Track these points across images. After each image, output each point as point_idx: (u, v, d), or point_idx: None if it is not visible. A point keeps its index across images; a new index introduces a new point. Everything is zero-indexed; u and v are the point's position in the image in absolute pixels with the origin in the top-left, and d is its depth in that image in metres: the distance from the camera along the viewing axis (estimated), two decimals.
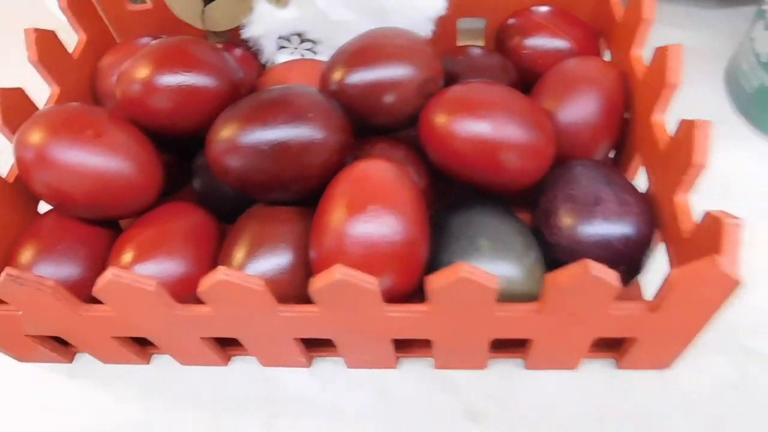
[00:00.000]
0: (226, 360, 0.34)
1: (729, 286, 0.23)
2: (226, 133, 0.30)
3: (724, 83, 0.45)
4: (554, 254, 0.30)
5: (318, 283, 0.25)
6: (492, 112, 0.30)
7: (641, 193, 0.31)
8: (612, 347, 0.32)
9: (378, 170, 0.29)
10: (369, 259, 0.27)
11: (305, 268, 0.30)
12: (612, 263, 0.29)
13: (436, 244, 0.30)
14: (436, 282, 0.24)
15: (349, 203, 0.28)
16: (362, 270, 0.27)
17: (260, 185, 0.31)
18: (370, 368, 0.33)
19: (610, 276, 0.23)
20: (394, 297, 0.28)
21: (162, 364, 0.35)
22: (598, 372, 0.32)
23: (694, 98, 0.43)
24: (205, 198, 0.37)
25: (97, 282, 0.26)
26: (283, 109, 0.30)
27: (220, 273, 0.25)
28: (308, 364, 0.34)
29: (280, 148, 0.30)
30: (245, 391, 0.33)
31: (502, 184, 0.32)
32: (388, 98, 0.33)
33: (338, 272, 0.24)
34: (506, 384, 0.32)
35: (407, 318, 0.27)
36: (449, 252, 0.29)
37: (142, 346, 0.35)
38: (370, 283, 0.24)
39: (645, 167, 0.33)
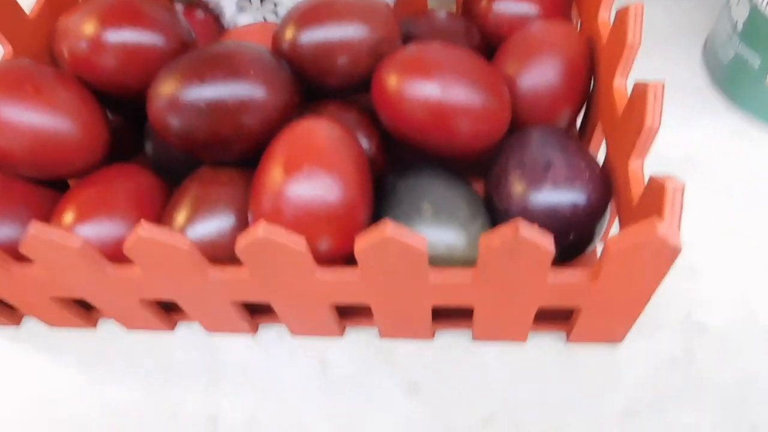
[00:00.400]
0: (171, 325, 0.34)
1: (668, 252, 0.22)
2: (165, 89, 0.29)
3: (702, 56, 0.43)
4: (501, 219, 0.29)
5: (242, 242, 0.24)
6: (444, 73, 0.29)
7: (595, 161, 0.29)
8: (561, 320, 0.31)
9: (319, 130, 0.28)
10: (305, 221, 0.26)
11: None
12: (561, 232, 0.28)
13: (381, 209, 0.29)
14: (362, 242, 0.23)
15: (286, 163, 0.27)
16: (299, 232, 0.26)
17: (201, 144, 0.30)
18: (315, 336, 0.32)
19: (543, 239, 0.22)
20: (334, 261, 0.27)
21: (108, 329, 0.34)
22: (547, 346, 0.31)
23: (672, 71, 0.42)
24: (157, 161, 0.36)
25: (23, 238, 0.25)
26: (223, 65, 0.29)
27: (142, 230, 0.24)
28: (253, 331, 0.33)
29: (217, 106, 0.28)
30: (188, 357, 0.32)
31: (454, 149, 0.30)
32: (341, 59, 0.32)
33: (261, 230, 0.23)
34: (450, 356, 0.31)
35: (340, 282, 0.26)
36: (391, 216, 0.28)
37: (88, 311, 0.34)
38: (297, 243, 0.23)
39: (605, 135, 0.31)
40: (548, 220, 0.28)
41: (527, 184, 0.28)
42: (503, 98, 0.30)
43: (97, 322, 0.35)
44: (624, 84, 0.30)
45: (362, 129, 0.32)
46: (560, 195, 0.28)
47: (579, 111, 0.34)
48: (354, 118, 0.33)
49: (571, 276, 0.25)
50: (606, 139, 0.31)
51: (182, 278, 0.27)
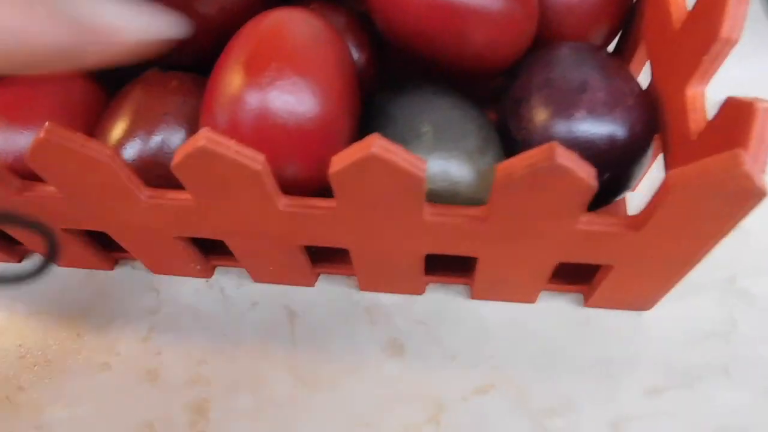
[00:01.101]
0: (111, 264, 0.28)
1: (749, 195, 0.16)
2: None
3: None
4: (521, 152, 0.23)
5: (179, 156, 0.18)
6: None
7: (640, 85, 0.23)
8: (580, 278, 0.25)
9: (292, 22, 0.21)
10: (269, 137, 0.20)
11: None
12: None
13: (369, 130, 0.23)
14: (340, 162, 0.17)
15: (248, 62, 0.20)
16: (260, 151, 0.20)
17: None
18: (280, 284, 0.27)
19: (584, 169, 0.16)
20: (305, 191, 0.21)
21: (36, 262, 0.29)
22: (560, 309, 0.26)
23: None
24: None
25: None
26: None
27: (49, 133, 0.18)
28: (208, 274, 0.27)
29: None
30: (129, 300, 0.27)
31: (467, 63, 0.24)
32: None
33: (205, 139, 0.17)
34: (443, 315, 0.26)
35: (310, 215, 0.20)
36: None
37: (11, 243, 0.28)
38: (252, 159, 0.18)
39: (650, 57, 0.25)
40: (580, 154, 0.22)
41: (555, 108, 0.22)
42: (530, 4, 0.24)
43: (22, 256, 0.29)
44: None
45: (351, 34, 0.26)
46: (597, 124, 0.22)
47: (618, 29, 0.28)
48: (342, 21, 0.26)
49: (608, 223, 0.19)
50: (652, 62, 0.25)
51: (109, 203, 0.21)
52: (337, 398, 0.24)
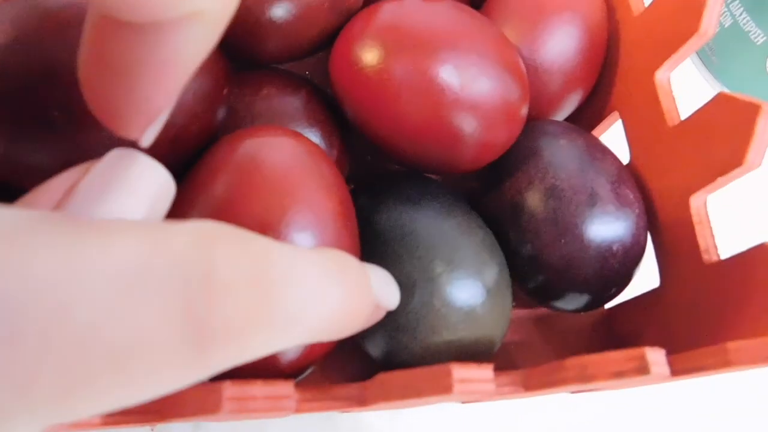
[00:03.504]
0: None
1: None
2: None
3: None
4: (526, 267, 0.21)
5: None
6: (455, 49, 0.19)
7: (634, 180, 0.23)
8: None
9: (279, 158, 0.16)
10: None
11: None
12: (603, 287, 0.21)
13: (368, 257, 0.20)
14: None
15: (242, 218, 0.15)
16: None
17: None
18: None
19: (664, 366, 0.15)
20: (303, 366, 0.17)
21: None
22: None
23: None
24: None
25: None
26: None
27: None
28: None
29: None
30: None
31: (451, 162, 0.21)
32: (286, 12, 0.19)
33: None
34: None
35: None
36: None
37: None
38: None
39: (628, 134, 0.24)
40: (592, 271, 0.21)
41: (565, 225, 0.20)
42: (524, 85, 0.21)
43: None
44: (667, 79, 0.23)
45: (316, 123, 0.21)
46: (608, 240, 0.21)
47: (587, 96, 0.26)
48: (301, 104, 0.21)
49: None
50: (630, 143, 0.24)
51: None
52: None
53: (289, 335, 0.10)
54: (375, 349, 0.19)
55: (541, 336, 0.26)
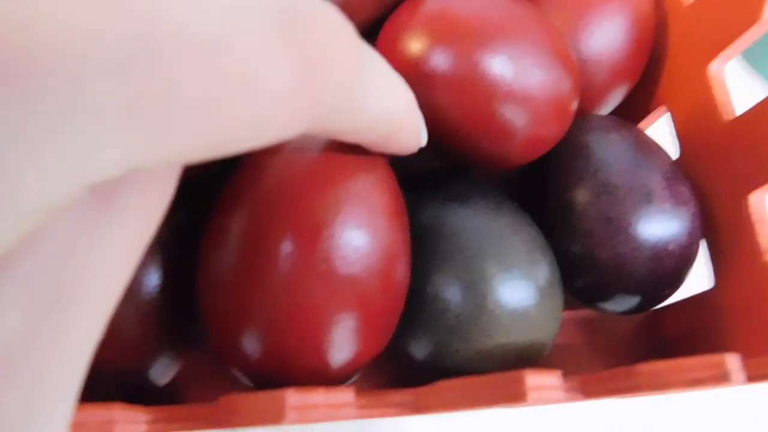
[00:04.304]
0: None
1: None
2: None
3: None
4: (575, 266, 0.21)
5: None
6: (507, 39, 0.18)
7: (688, 180, 0.22)
8: None
9: (333, 151, 0.16)
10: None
11: None
12: (656, 288, 0.20)
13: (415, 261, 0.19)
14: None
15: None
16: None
17: None
18: None
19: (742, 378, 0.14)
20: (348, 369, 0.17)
21: None
22: None
23: None
24: None
25: None
26: None
27: None
28: None
29: None
30: None
31: (499, 157, 0.20)
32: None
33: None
34: None
35: None
36: (437, 282, 0.18)
37: None
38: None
39: (679, 133, 0.23)
40: (645, 272, 0.20)
41: (620, 223, 0.19)
42: (575, 77, 0.20)
43: None
44: (721, 72, 0.22)
45: None
46: (665, 239, 0.20)
47: (633, 90, 0.25)
48: None
49: None
50: (681, 138, 0.23)
51: None
52: None
53: (371, 101, 0.12)
54: (421, 351, 0.19)
55: (583, 339, 0.25)
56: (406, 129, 0.14)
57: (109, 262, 0.09)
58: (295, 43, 0.09)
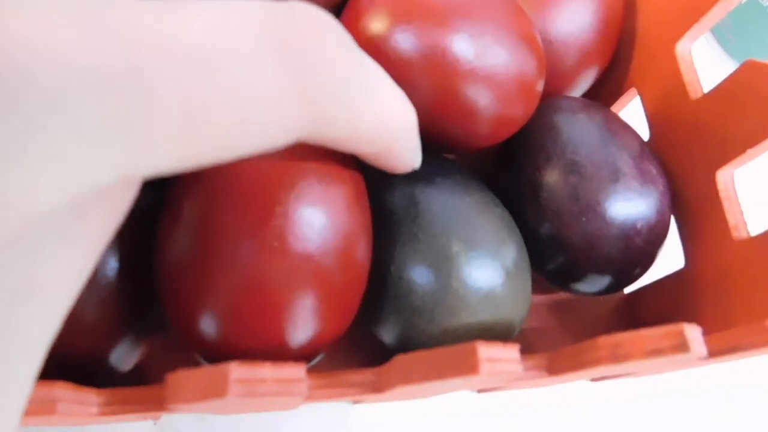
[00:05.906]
0: None
1: None
2: None
3: None
4: (545, 248, 0.20)
5: None
6: (469, 18, 0.18)
7: (656, 157, 0.22)
8: None
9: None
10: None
11: None
12: (627, 267, 0.20)
13: (378, 237, 0.19)
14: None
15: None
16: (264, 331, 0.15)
17: None
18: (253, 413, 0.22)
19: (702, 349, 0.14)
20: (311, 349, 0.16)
21: None
22: None
23: None
24: None
25: None
26: None
27: None
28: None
29: None
30: None
31: (465, 138, 0.20)
32: None
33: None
34: None
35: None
36: (402, 263, 0.18)
37: None
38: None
39: (647, 109, 0.23)
40: (615, 250, 0.20)
41: (587, 202, 0.19)
42: (541, 57, 0.20)
43: None
44: (689, 51, 0.22)
45: None
46: (632, 217, 0.20)
47: (603, 72, 0.25)
48: None
49: None
50: (650, 119, 0.23)
51: None
52: None
53: (368, 110, 0.11)
54: (389, 334, 0.18)
55: (560, 322, 0.25)
56: (403, 143, 0.14)
57: (73, 259, 0.09)
58: (283, 52, 0.09)
